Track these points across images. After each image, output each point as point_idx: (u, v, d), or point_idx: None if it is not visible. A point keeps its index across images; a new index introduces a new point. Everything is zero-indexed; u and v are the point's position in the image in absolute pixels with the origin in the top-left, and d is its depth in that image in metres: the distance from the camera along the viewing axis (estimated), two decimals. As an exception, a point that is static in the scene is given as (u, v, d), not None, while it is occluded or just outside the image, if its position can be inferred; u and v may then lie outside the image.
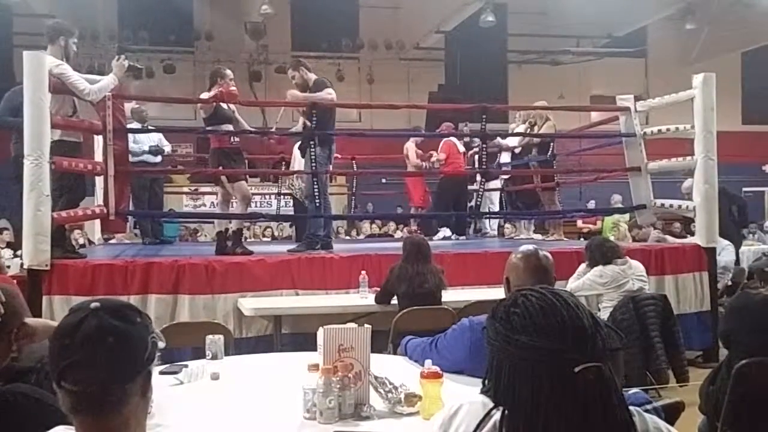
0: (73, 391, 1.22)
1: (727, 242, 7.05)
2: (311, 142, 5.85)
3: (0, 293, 1.82)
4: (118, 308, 1.29)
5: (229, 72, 5.93)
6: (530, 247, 2.45)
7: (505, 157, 8.98)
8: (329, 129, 6.02)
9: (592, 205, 13.51)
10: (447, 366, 2.29)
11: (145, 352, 1.28)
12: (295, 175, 7.89)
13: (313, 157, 5.83)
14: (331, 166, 6.26)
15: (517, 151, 8.62)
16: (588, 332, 1.21)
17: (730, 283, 7.18)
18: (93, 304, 1.27)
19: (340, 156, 10.58)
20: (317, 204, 5.83)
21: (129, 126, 6.36)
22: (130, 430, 1.26)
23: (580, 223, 13.27)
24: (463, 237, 8.51)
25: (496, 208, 8.98)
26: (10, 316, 1.84)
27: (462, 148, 8.64)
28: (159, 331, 1.39)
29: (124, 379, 1.25)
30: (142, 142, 7.63)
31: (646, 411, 1.32)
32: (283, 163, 9.04)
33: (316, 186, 5.81)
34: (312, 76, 6.05)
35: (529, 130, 7.90)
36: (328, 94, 5.90)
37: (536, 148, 8.03)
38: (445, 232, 8.28)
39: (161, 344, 1.33)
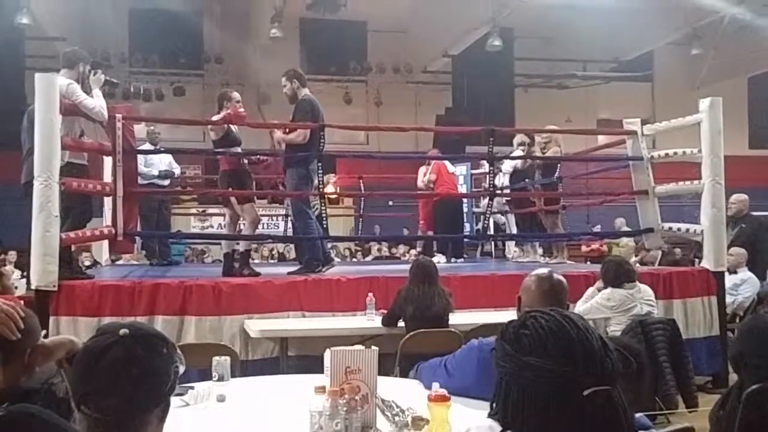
0: (91, 417, 1.22)
1: (750, 275, 6.58)
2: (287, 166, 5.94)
3: (20, 309, 1.82)
4: (145, 337, 1.29)
5: (236, 94, 5.95)
6: (546, 270, 2.47)
7: (504, 180, 8.63)
8: (303, 150, 5.76)
9: (597, 230, 13.39)
10: (456, 387, 2.26)
11: (167, 385, 1.28)
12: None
13: (294, 180, 5.83)
14: (314, 187, 5.90)
15: (507, 173, 8.43)
16: (597, 355, 1.21)
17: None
18: (122, 331, 1.26)
19: (346, 176, 10.73)
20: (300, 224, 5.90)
21: (141, 147, 6.38)
22: None
23: (584, 247, 13.10)
24: (461, 260, 8.45)
25: (514, 231, 8.93)
26: (25, 336, 1.83)
27: (452, 169, 8.65)
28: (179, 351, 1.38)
29: (144, 410, 1.25)
30: (154, 166, 7.64)
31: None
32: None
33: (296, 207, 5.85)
34: (302, 92, 5.88)
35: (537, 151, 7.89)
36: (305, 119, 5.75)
37: (540, 170, 8.01)
38: (440, 258, 7.97)
39: (182, 368, 1.33)
